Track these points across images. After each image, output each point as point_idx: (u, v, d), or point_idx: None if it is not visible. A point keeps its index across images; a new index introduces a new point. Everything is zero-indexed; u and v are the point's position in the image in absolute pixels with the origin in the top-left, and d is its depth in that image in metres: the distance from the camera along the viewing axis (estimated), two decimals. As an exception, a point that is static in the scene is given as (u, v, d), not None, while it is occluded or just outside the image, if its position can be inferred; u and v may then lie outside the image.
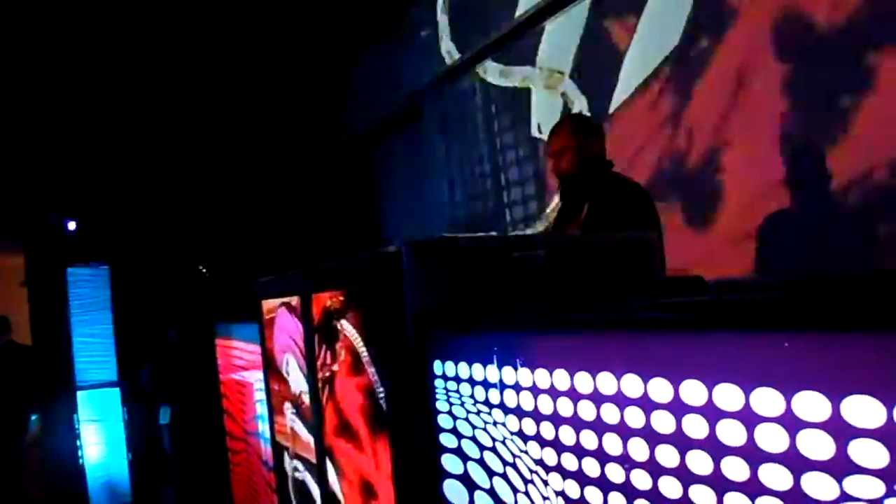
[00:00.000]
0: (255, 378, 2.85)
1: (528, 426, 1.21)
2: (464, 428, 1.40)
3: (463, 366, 1.38)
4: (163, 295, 5.84)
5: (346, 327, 1.75)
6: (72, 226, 5.84)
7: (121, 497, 5.51)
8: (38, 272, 5.67)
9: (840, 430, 0.76)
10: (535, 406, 1.19)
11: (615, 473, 1.04)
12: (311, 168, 6.93)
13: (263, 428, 2.78)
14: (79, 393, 5.44)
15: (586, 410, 1.08)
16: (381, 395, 1.59)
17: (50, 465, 5.46)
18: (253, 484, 3.13)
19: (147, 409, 5.39)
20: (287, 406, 2.36)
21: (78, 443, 5.43)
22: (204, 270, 6.35)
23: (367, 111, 6.76)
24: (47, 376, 5.54)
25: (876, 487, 0.73)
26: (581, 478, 1.10)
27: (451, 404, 1.44)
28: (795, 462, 0.80)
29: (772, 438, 0.82)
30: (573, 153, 2.50)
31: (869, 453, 0.73)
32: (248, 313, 2.72)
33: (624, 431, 1.01)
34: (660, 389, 0.95)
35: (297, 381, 2.20)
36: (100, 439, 5.50)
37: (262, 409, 2.79)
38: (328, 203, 6.81)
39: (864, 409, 0.73)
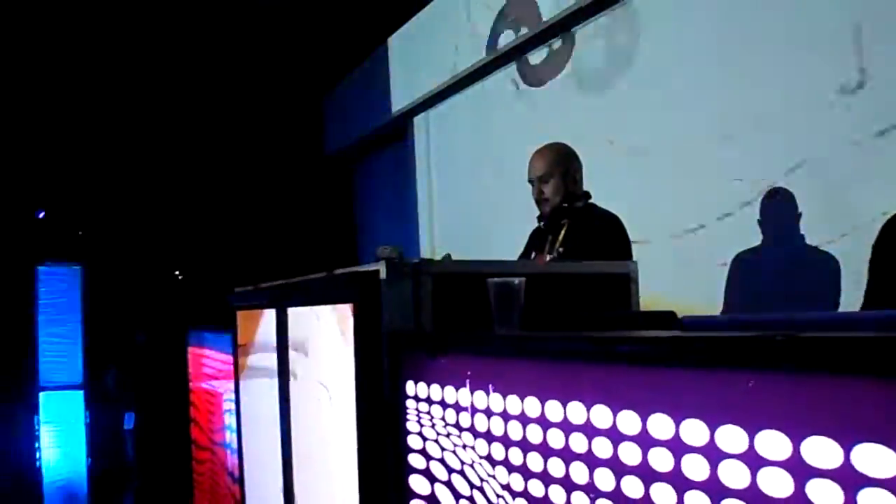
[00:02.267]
0: (226, 388, 2.83)
1: (498, 451, 1.23)
2: (433, 450, 1.41)
3: (435, 387, 1.39)
4: (135, 299, 5.78)
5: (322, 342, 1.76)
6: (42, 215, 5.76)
7: (77, 502, 5.40)
8: (8, 268, 5.59)
9: (799, 470, 0.78)
10: (505, 431, 1.21)
11: (580, 503, 1.06)
12: (291, 180, 6.92)
13: (231, 438, 2.76)
14: (41, 394, 5.33)
15: (555, 439, 1.10)
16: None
17: (5, 467, 5.34)
18: (217, 495, 3.09)
19: (111, 414, 5.30)
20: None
21: (36, 444, 5.32)
22: (179, 276, 6.29)
23: (351, 127, 6.79)
24: (9, 375, 5.44)
25: (830, 527, 0.76)
26: (547, 505, 1.12)
27: (421, 425, 1.45)
28: (756, 499, 0.82)
29: (734, 475, 0.84)
30: (559, 179, 2.48)
31: (826, 493, 0.76)
32: (222, 322, 2.71)
33: (591, 461, 1.03)
34: (628, 422, 0.97)
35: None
36: (60, 442, 5.38)
37: (230, 419, 2.77)
38: (306, 216, 6.80)
39: (822, 451, 0.76)
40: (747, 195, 3.04)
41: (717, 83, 3.24)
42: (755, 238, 2.98)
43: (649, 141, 3.56)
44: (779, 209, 2.92)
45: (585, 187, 2.56)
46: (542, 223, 2.55)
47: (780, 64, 2.96)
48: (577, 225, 2.43)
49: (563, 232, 2.44)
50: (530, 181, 2.54)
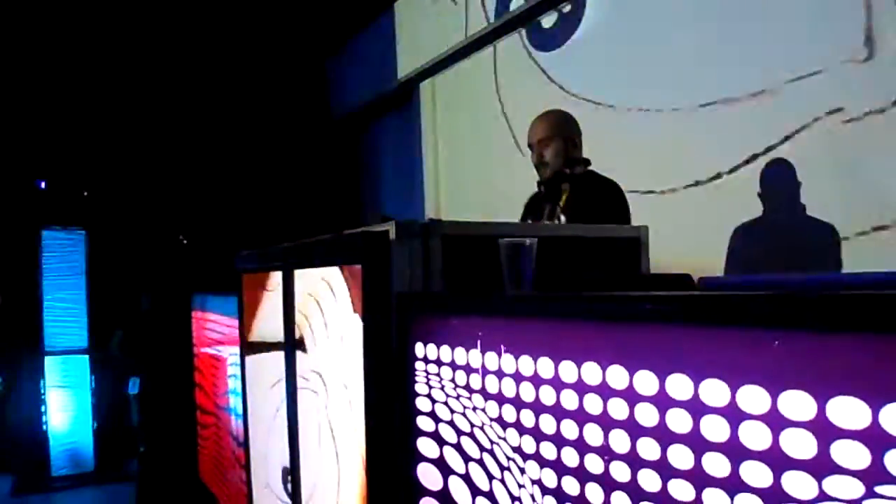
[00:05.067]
0: (230, 352, 2.82)
1: (509, 413, 1.21)
2: (442, 412, 1.40)
3: (445, 349, 1.37)
4: (139, 263, 5.77)
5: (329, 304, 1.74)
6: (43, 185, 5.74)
7: (83, 466, 5.45)
8: (12, 233, 5.57)
9: (824, 431, 0.76)
10: (517, 393, 1.19)
11: (594, 464, 1.04)
12: (296, 143, 6.87)
13: (236, 403, 2.76)
14: (47, 358, 5.36)
15: (569, 400, 1.08)
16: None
17: (12, 430, 5.38)
18: (221, 458, 3.10)
19: (116, 378, 5.32)
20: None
21: (42, 408, 5.36)
22: (183, 240, 6.28)
23: (357, 92, 6.72)
24: (15, 339, 5.46)
25: (855, 488, 0.74)
26: (559, 467, 1.10)
27: (430, 387, 1.43)
28: (777, 460, 0.80)
29: (755, 436, 0.82)
30: (560, 143, 2.46)
31: (851, 454, 0.74)
32: (227, 286, 2.69)
33: (606, 422, 1.01)
34: (645, 382, 0.95)
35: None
36: (65, 406, 5.43)
37: (234, 383, 2.76)
38: (312, 180, 6.76)
39: (849, 411, 0.74)
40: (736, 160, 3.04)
41: (723, 47, 3.19)
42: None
43: (653, 102, 3.53)
44: (779, 179, 2.91)
45: (593, 149, 2.54)
46: (541, 188, 2.53)
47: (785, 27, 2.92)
48: (578, 191, 2.41)
49: (564, 198, 2.41)
50: (530, 145, 2.54)
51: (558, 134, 2.48)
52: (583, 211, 2.34)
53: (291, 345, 2.00)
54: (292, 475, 2.05)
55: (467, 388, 1.31)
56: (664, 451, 0.93)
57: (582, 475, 1.06)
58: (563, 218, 2.37)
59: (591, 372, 1.03)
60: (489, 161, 4.94)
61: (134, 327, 4.86)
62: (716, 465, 0.87)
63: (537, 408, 1.14)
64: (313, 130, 7.05)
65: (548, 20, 4.36)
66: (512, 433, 1.21)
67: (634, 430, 0.97)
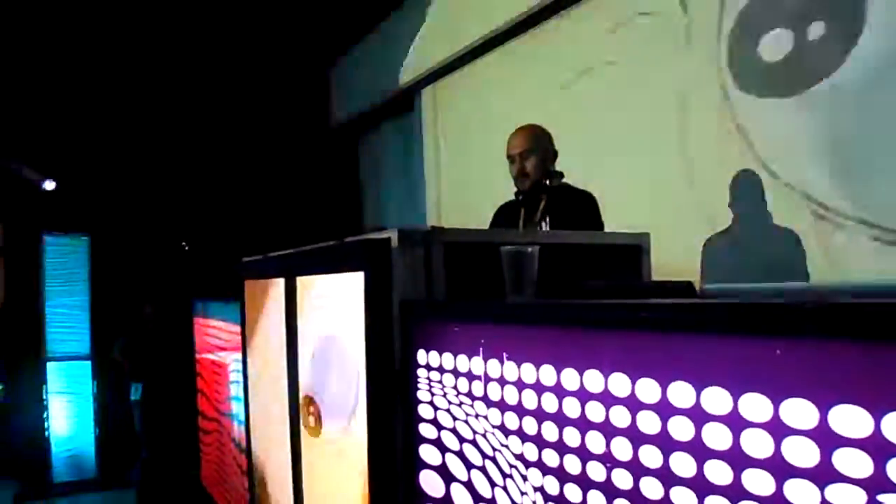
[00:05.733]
0: (232, 358, 2.82)
1: (511, 420, 1.21)
2: (444, 419, 1.40)
3: (447, 356, 1.37)
4: (142, 269, 5.78)
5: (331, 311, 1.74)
6: (49, 185, 5.74)
7: (85, 472, 5.45)
8: (15, 238, 5.59)
9: (826, 439, 0.76)
10: (520, 400, 1.19)
11: (596, 472, 1.04)
12: (298, 150, 6.88)
13: (238, 408, 2.76)
14: (49, 364, 5.37)
15: (571, 407, 1.08)
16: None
17: (14, 437, 5.38)
18: (223, 465, 3.11)
19: (118, 385, 5.33)
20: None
21: (45, 415, 5.36)
22: (185, 247, 6.29)
23: (358, 99, 6.73)
24: (17, 345, 5.47)
25: (858, 497, 0.74)
26: (561, 474, 1.11)
27: (432, 394, 1.43)
28: (779, 468, 0.80)
29: (757, 444, 0.82)
30: (540, 155, 2.53)
31: (853, 463, 0.74)
32: (229, 293, 2.69)
33: (608, 430, 1.02)
34: (647, 390, 0.95)
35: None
36: (68, 413, 5.43)
37: (237, 389, 2.76)
38: (314, 187, 6.77)
39: (851, 419, 0.74)
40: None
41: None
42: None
43: (654, 114, 3.55)
44: (745, 189, 3.01)
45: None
46: (519, 198, 2.59)
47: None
48: (554, 201, 2.48)
49: (541, 207, 2.48)
50: (510, 157, 2.59)
51: (538, 147, 2.55)
52: (559, 220, 2.42)
53: (293, 351, 2.01)
54: (294, 481, 2.05)
55: (469, 395, 1.32)
56: (666, 458, 0.93)
57: (584, 482, 1.06)
58: (544, 226, 2.43)
59: (594, 380, 1.03)
60: (490, 168, 4.94)
61: (136, 333, 4.87)
62: (718, 472, 0.87)
63: (539, 415, 1.14)
64: (315, 138, 7.06)
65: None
66: (514, 440, 1.21)
67: (636, 437, 0.97)
